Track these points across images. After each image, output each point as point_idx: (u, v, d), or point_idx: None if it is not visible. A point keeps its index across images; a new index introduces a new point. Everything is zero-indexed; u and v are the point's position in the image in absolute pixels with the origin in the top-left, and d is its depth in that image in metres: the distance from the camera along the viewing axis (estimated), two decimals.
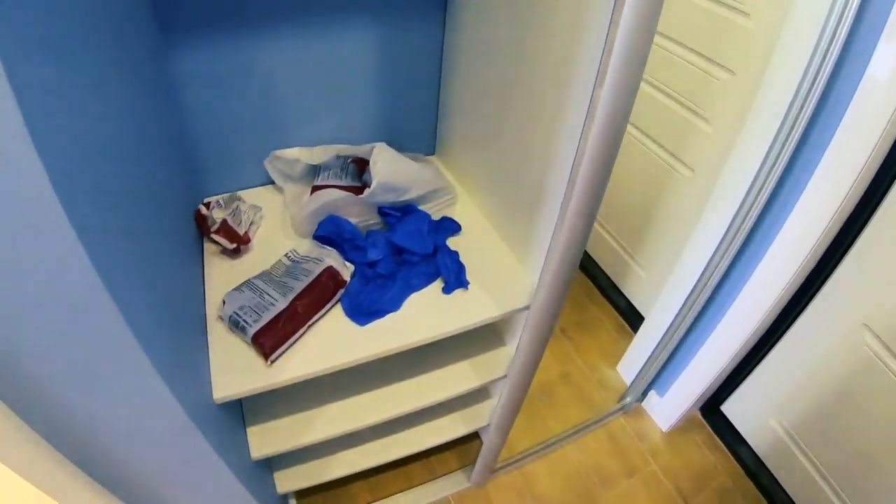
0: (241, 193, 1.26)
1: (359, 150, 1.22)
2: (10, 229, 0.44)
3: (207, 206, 1.17)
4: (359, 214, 1.17)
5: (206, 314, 1.02)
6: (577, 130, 0.75)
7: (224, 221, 1.14)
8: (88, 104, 0.59)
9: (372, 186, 1.13)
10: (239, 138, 1.22)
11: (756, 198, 1.24)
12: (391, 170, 1.15)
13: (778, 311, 1.37)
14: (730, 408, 1.75)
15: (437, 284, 1.12)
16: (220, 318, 1.00)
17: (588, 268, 2.30)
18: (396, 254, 1.12)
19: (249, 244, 1.15)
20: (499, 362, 1.26)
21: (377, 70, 1.25)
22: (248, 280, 1.04)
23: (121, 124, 0.71)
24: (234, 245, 1.11)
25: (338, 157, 1.24)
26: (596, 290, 2.25)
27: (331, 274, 1.05)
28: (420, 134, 1.43)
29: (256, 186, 1.31)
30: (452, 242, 1.20)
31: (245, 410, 1.12)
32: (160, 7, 0.97)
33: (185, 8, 1.00)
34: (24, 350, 0.52)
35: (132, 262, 0.65)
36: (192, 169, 1.20)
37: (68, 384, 0.58)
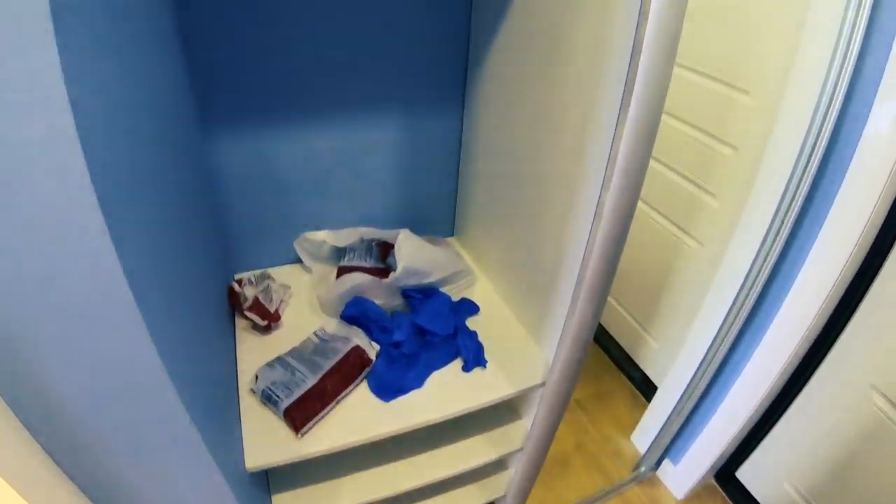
0: (270, 271, 1.33)
1: (383, 235, 1.30)
2: (85, 316, 0.50)
3: (240, 283, 1.22)
4: (383, 296, 1.22)
5: (237, 387, 1.07)
6: (589, 219, 0.82)
7: (256, 299, 1.19)
8: (153, 204, 0.66)
9: (397, 272, 1.20)
10: (268, 220, 1.29)
11: (762, 267, 1.29)
12: (415, 256, 1.22)
13: (787, 376, 1.40)
14: (744, 473, 1.75)
15: (458, 362, 1.16)
16: (253, 391, 1.04)
17: (602, 340, 2.33)
18: (419, 335, 1.17)
19: (279, 321, 1.21)
20: (515, 435, 1.27)
21: (399, 157, 1.33)
22: (280, 357, 1.09)
23: (175, 210, 0.79)
24: (266, 322, 1.16)
25: (362, 239, 1.32)
26: (610, 362, 2.28)
27: (358, 353, 1.10)
28: (439, 217, 1.51)
29: (284, 264, 1.38)
30: (471, 322, 1.25)
31: (270, 479, 1.15)
32: (201, 101, 1.08)
33: (223, 102, 1.10)
34: (85, 424, 0.57)
35: (183, 338, 0.71)
36: (223, 247, 1.27)
37: (122, 450, 0.63)
